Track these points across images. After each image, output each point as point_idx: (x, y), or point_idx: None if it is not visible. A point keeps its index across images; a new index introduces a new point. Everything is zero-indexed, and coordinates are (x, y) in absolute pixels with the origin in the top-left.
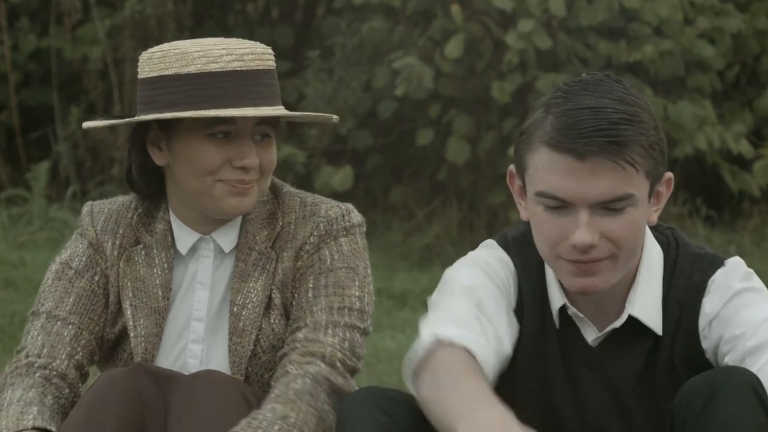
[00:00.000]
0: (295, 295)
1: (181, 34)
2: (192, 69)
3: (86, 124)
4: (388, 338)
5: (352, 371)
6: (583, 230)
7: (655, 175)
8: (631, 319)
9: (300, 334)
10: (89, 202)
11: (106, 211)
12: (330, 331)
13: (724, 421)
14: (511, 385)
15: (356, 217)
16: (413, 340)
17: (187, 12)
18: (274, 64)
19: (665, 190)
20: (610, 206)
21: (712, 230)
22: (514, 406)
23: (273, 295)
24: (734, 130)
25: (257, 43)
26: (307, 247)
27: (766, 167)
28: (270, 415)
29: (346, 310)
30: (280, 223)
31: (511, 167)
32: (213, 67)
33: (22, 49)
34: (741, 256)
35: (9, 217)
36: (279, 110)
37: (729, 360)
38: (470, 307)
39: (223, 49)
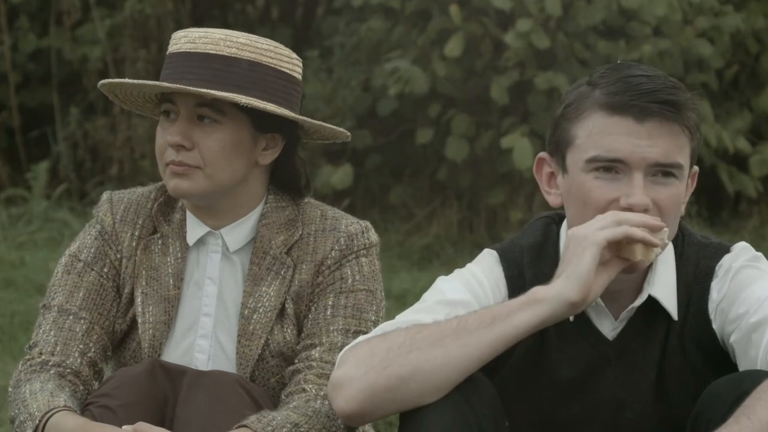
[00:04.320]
0: (312, 308)
1: None
2: (169, 51)
3: (103, 82)
4: None
5: None
6: (639, 192)
7: (693, 157)
8: (648, 302)
9: (315, 353)
10: (108, 191)
11: (125, 201)
12: None
13: None
14: (507, 402)
15: (374, 235)
16: None
17: (186, 12)
18: (242, 53)
19: (690, 184)
20: (664, 170)
21: (712, 230)
22: (512, 418)
23: (286, 305)
24: (732, 126)
25: (251, 35)
26: (329, 262)
27: (762, 161)
28: (281, 418)
29: (361, 335)
30: (300, 232)
31: (541, 154)
32: (173, 48)
33: (22, 49)
34: None
35: (9, 217)
36: (198, 90)
37: (735, 341)
38: (434, 315)
39: (201, 33)
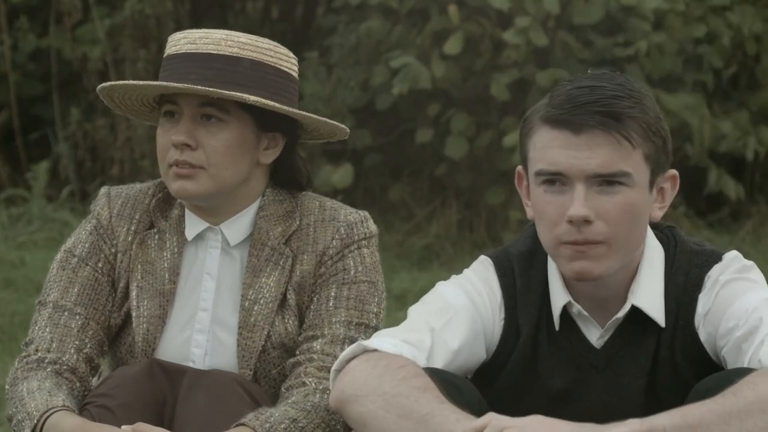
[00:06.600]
0: (314, 299)
1: None
2: (168, 53)
3: (103, 85)
4: None
5: None
6: (578, 204)
7: (656, 162)
8: (634, 312)
9: (317, 345)
10: (106, 187)
11: (123, 196)
12: (347, 347)
13: None
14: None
15: (373, 225)
16: None
17: (186, 12)
18: (243, 52)
19: (670, 188)
20: (607, 180)
21: (711, 231)
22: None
23: (288, 296)
24: (730, 126)
25: (250, 35)
26: (330, 252)
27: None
28: (279, 414)
29: (363, 327)
30: (298, 223)
31: (519, 168)
32: (172, 50)
33: (21, 49)
34: None
35: (9, 217)
36: (207, 89)
37: (727, 352)
38: (432, 323)
39: (201, 34)
